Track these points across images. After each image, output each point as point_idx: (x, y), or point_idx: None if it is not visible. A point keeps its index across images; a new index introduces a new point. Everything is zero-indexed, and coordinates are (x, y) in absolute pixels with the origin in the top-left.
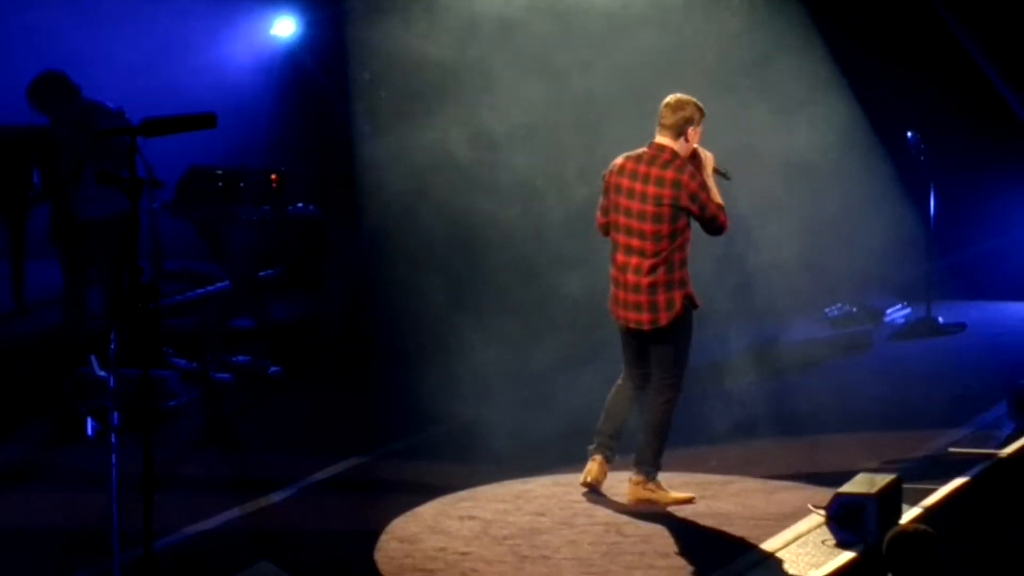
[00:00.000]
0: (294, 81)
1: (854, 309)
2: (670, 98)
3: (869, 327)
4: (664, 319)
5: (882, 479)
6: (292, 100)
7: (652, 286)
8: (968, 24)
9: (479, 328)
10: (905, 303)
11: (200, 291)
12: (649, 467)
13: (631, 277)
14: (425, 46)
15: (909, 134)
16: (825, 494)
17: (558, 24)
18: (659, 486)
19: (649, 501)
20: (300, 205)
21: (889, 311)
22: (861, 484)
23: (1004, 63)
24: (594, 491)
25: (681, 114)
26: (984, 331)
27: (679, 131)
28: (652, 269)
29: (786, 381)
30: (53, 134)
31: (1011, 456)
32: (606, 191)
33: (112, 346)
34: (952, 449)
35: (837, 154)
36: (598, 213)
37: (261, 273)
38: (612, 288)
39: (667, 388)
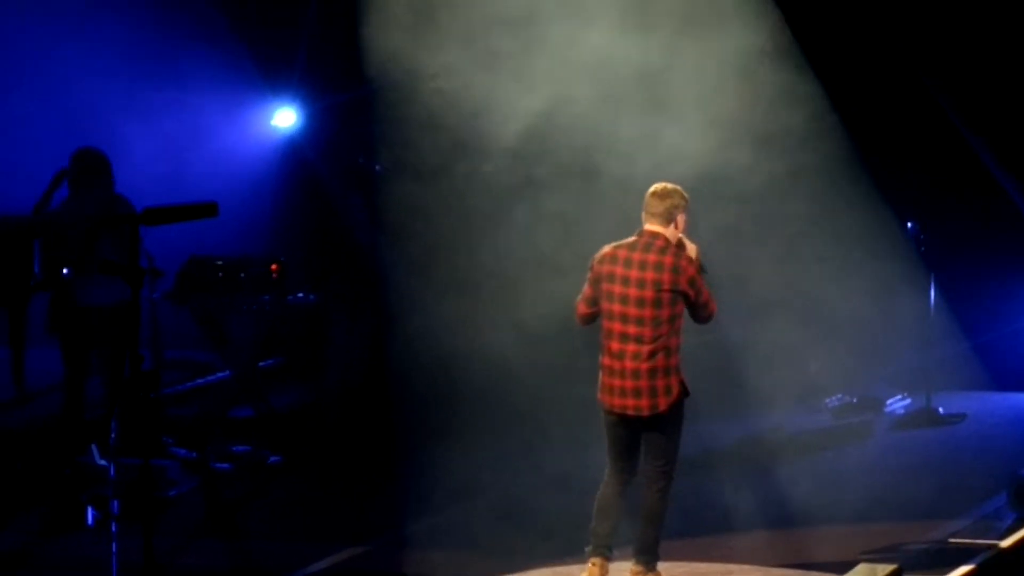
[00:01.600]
0: (294, 171)
1: (854, 399)
2: (657, 186)
3: (869, 417)
4: (663, 404)
5: (883, 569)
6: (292, 189)
7: (652, 371)
8: (967, 114)
9: (480, 416)
10: (905, 393)
11: (200, 380)
12: (651, 556)
13: (629, 363)
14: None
15: (909, 224)
16: None
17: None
18: (659, 575)
19: None
20: (300, 295)
21: (889, 401)
22: (862, 574)
23: (1003, 153)
24: None
25: (670, 201)
26: (984, 421)
27: (669, 218)
28: (651, 355)
29: (786, 470)
30: (71, 214)
31: (1012, 547)
32: (595, 281)
33: (112, 435)
34: (952, 540)
35: (837, 244)
36: (581, 303)
37: (261, 362)
38: (604, 377)
39: (662, 476)
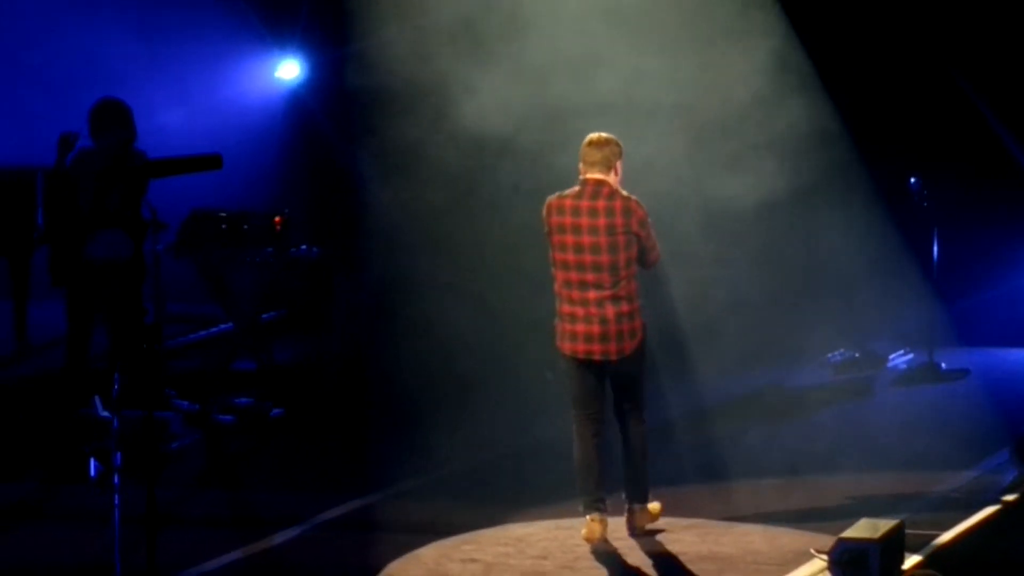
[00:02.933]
0: (298, 124)
1: (856, 355)
2: (592, 136)
3: (871, 373)
4: (629, 348)
5: (885, 524)
6: (296, 143)
7: (617, 316)
8: (968, 68)
9: (483, 372)
10: (908, 349)
11: (203, 333)
12: (643, 494)
13: (594, 310)
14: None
15: (912, 180)
16: (827, 539)
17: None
18: (654, 507)
19: (653, 522)
20: (303, 248)
21: (892, 357)
22: (864, 529)
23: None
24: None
25: (608, 149)
26: (987, 377)
27: (608, 165)
28: (615, 300)
29: (789, 426)
30: (85, 165)
31: (1015, 502)
32: (550, 233)
33: (115, 387)
34: (954, 495)
35: (842, 200)
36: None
37: (264, 315)
38: (567, 325)
39: (640, 416)
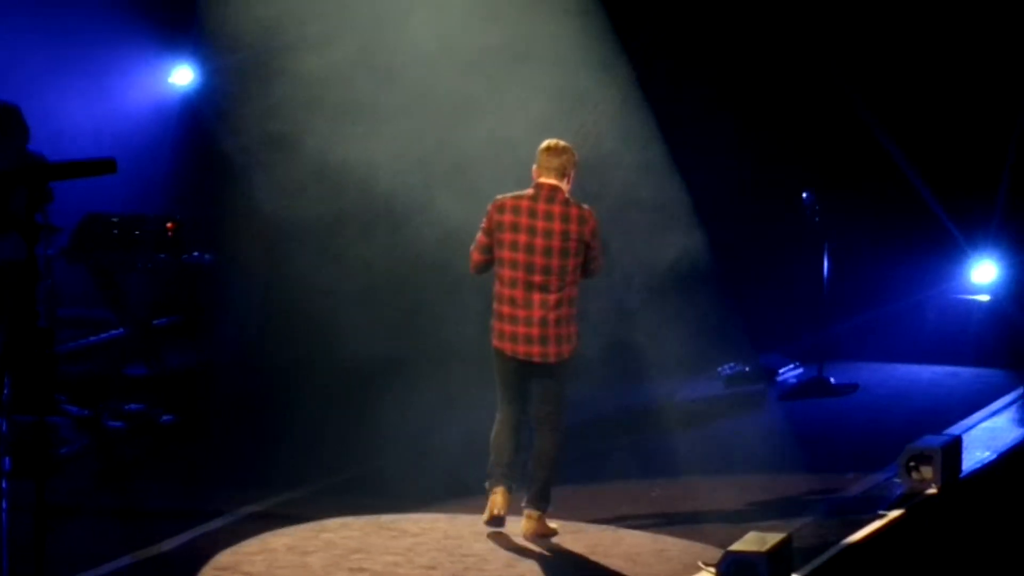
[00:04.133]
0: (191, 129)
1: (747, 368)
2: (549, 142)
3: (762, 386)
4: (566, 352)
5: (773, 537)
6: (189, 148)
7: (558, 320)
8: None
9: (376, 376)
10: (798, 363)
11: (94, 338)
12: (544, 502)
13: (537, 312)
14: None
15: (804, 194)
16: (715, 552)
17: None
18: (551, 528)
19: (545, 534)
20: (196, 254)
21: (782, 370)
22: (752, 542)
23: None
24: (496, 523)
25: (565, 157)
26: (876, 392)
27: (563, 173)
28: (558, 304)
29: (678, 438)
30: None
31: (899, 518)
32: (492, 230)
33: (5, 391)
34: (842, 510)
35: (732, 210)
36: (475, 252)
37: (156, 321)
38: (506, 325)
39: (558, 424)
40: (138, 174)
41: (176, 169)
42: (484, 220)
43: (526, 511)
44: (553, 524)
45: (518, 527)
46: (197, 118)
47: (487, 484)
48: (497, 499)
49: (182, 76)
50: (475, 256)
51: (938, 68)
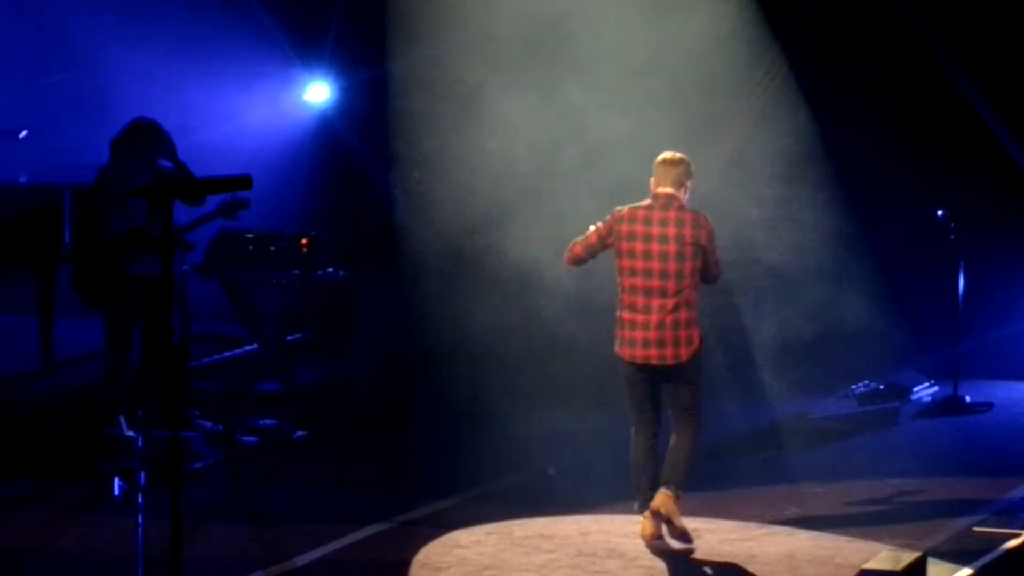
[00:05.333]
0: (327, 146)
1: (881, 386)
2: (666, 155)
3: (895, 404)
4: (685, 354)
5: (907, 556)
6: (324, 165)
7: (675, 323)
8: (998, 103)
9: (510, 391)
10: (932, 381)
11: (228, 354)
12: (681, 487)
13: (655, 316)
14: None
15: (939, 212)
16: (850, 571)
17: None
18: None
19: (671, 514)
20: (330, 270)
21: (916, 389)
22: (886, 561)
23: None
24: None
25: (681, 167)
26: (1011, 411)
27: (680, 183)
28: (676, 308)
29: (812, 455)
30: (120, 182)
31: None
32: (608, 235)
33: (141, 407)
34: (977, 529)
35: (867, 230)
36: (578, 246)
37: (289, 337)
38: (626, 331)
39: (693, 419)
40: (273, 191)
41: (311, 186)
42: (602, 224)
43: (661, 490)
44: (692, 525)
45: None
46: (332, 135)
47: (636, 507)
48: (647, 525)
49: (318, 93)
50: (577, 249)
51: None
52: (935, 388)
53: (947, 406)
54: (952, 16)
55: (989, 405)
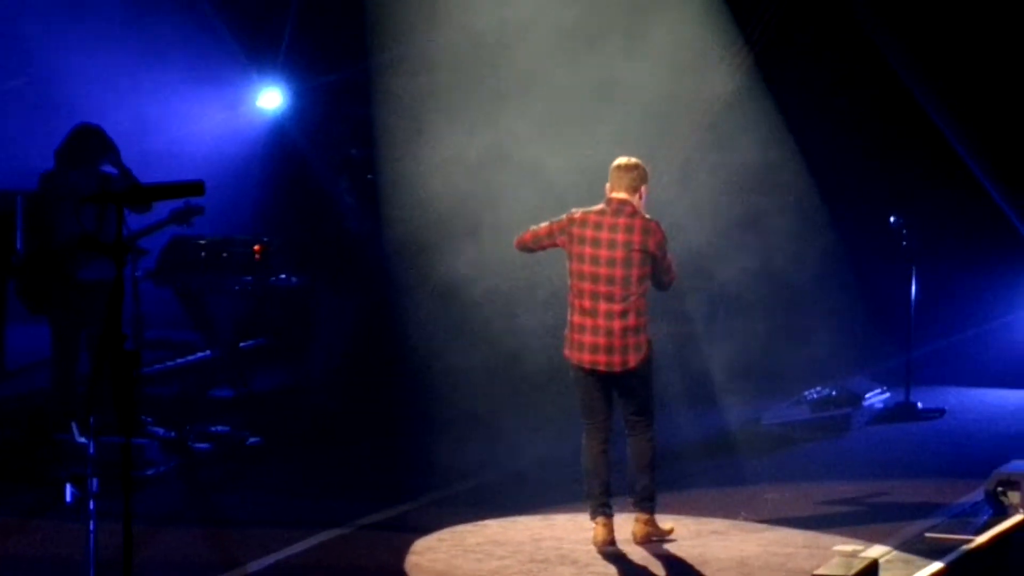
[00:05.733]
0: (280, 152)
1: (833, 392)
2: (621, 160)
3: (848, 410)
4: (633, 361)
5: (859, 562)
6: (277, 171)
7: (624, 330)
8: (948, 108)
9: (467, 397)
10: (884, 387)
11: (181, 360)
12: (651, 503)
13: (602, 321)
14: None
15: (892, 218)
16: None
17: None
18: (656, 522)
19: (655, 535)
20: (283, 276)
21: (868, 395)
22: (838, 567)
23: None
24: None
25: (636, 173)
26: (963, 417)
27: (634, 188)
28: (624, 313)
29: (763, 462)
30: (65, 188)
31: (987, 543)
32: (560, 232)
33: (92, 413)
34: (928, 534)
35: (819, 236)
36: (529, 233)
37: (243, 343)
38: (575, 335)
39: (646, 427)
40: (226, 197)
41: (264, 192)
42: (556, 221)
43: (635, 515)
44: (668, 524)
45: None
46: (285, 141)
47: (588, 513)
48: (600, 531)
49: (271, 99)
50: (527, 236)
51: None
52: (887, 394)
53: (899, 412)
54: (905, 22)
55: (941, 411)
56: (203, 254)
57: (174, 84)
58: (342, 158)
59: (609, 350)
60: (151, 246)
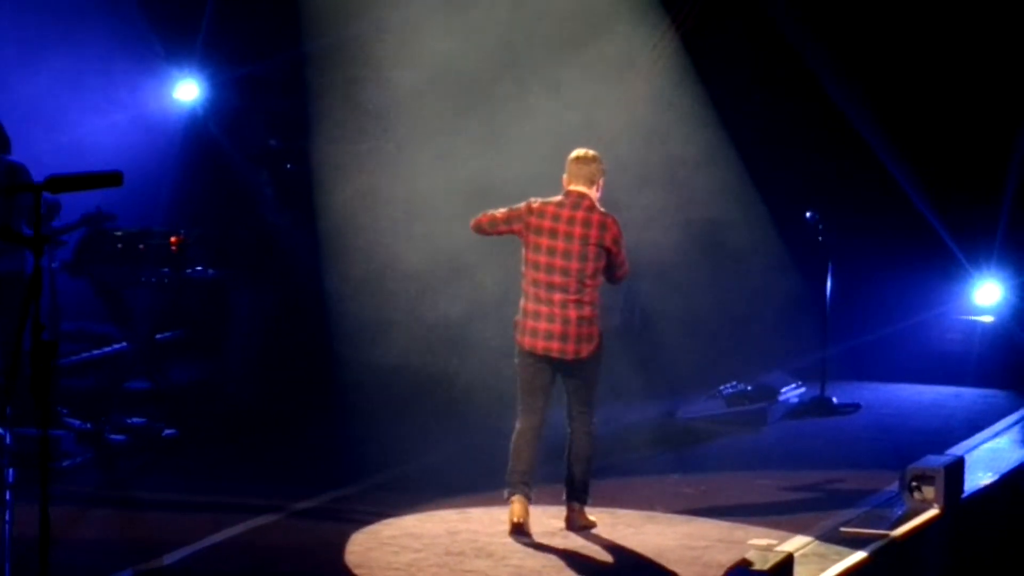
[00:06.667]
0: (197, 144)
1: (749, 387)
2: (578, 152)
3: (764, 405)
4: (586, 351)
5: (774, 556)
6: (195, 163)
7: (580, 320)
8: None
9: (383, 390)
10: (800, 382)
11: (97, 352)
12: (586, 495)
13: (558, 310)
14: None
15: (808, 214)
16: (717, 571)
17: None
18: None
19: (587, 525)
20: (200, 268)
21: (784, 390)
22: (754, 560)
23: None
24: (519, 532)
25: (594, 166)
26: (878, 412)
27: (591, 181)
28: (578, 304)
29: (679, 456)
30: None
31: (902, 537)
32: (517, 220)
33: (8, 404)
34: (843, 529)
35: (735, 230)
36: (486, 216)
37: (159, 335)
38: (529, 321)
39: (587, 419)
40: (142, 189)
41: (181, 184)
42: (514, 209)
43: (568, 504)
44: (593, 516)
45: (522, 539)
46: (202, 133)
47: (506, 492)
48: (516, 508)
49: (187, 90)
50: (483, 219)
51: (940, 86)
52: (803, 389)
53: (815, 407)
54: (822, 19)
55: (856, 406)
56: (120, 246)
57: (88, 75)
58: (261, 150)
59: (563, 338)
60: (67, 237)
